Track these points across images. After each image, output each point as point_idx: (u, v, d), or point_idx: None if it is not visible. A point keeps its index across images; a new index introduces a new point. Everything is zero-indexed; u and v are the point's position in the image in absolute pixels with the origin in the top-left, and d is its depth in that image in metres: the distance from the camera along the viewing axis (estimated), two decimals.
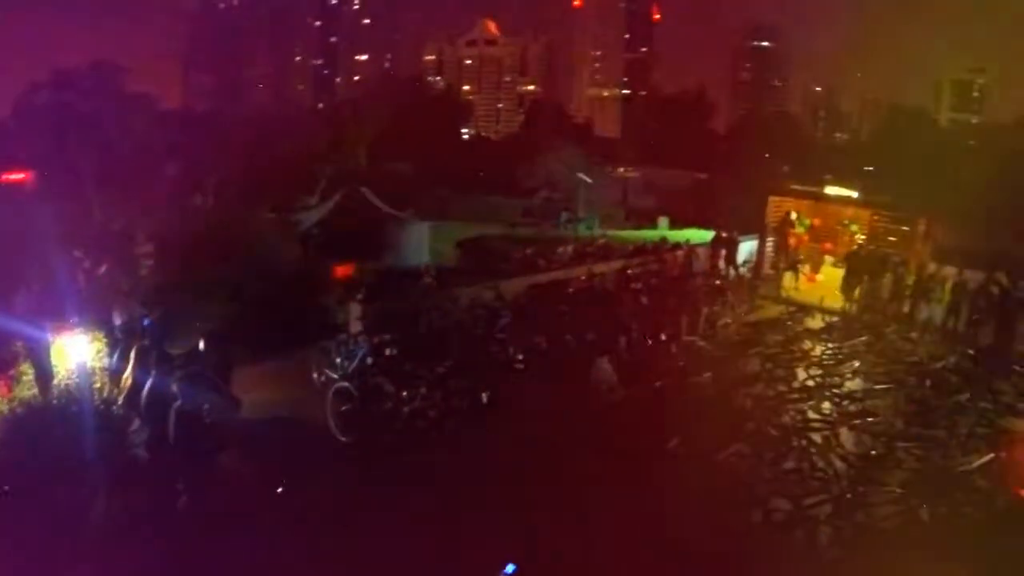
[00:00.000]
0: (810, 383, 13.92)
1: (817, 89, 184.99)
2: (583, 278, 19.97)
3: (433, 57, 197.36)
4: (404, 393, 11.99)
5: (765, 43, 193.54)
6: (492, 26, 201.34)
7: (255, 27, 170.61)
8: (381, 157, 57.59)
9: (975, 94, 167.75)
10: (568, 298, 18.14)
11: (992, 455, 11.47)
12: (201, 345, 9.85)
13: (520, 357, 14.33)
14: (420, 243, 31.30)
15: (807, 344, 16.36)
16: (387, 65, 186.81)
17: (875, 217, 22.07)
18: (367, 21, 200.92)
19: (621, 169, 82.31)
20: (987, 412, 13.92)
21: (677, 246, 23.69)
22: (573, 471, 10.24)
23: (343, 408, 11.86)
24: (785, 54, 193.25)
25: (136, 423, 10.01)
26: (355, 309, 15.20)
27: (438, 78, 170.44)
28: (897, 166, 62.27)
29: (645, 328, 15.57)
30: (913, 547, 9.06)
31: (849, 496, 9.93)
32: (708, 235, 25.05)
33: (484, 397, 12.46)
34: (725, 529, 9.16)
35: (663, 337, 15.32)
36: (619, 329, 15.48)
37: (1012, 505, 10.42)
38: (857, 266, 20.48)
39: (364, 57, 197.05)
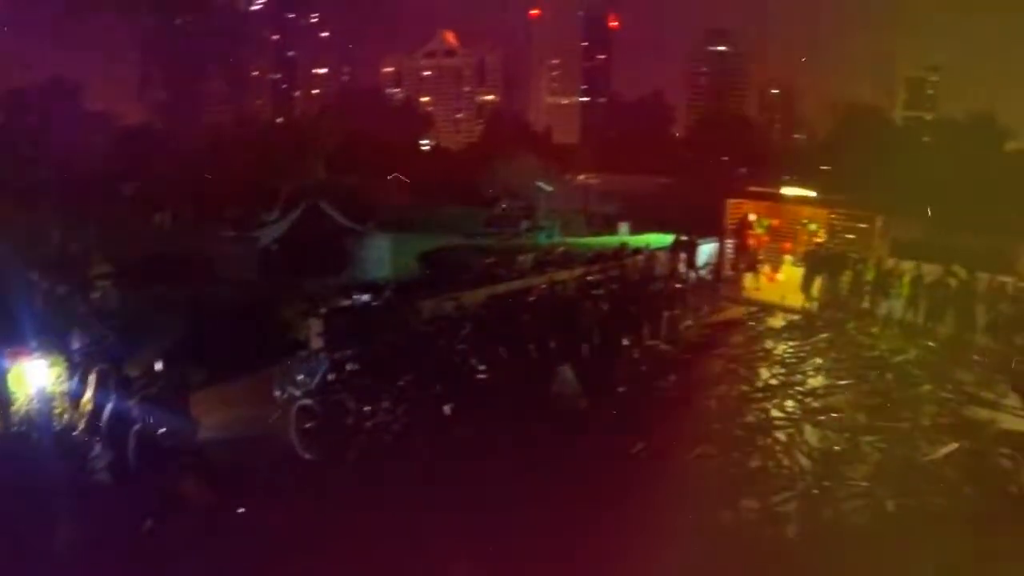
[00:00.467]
0: (773, 382, 14.07)
1: (774, 92, 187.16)
2: (544, 286, 19.91)
3: (392, 69, 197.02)
4: (366, 408, 11.89)
5: (722, 47, 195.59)
6: (451, 37, 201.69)
7: (212, 42, 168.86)
8: (341, 170, 57.55)
9: (929, 92, 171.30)
10: (529, 307, 18.06)
11: (956, 445, 11.68)
12: (159, 366, 9.67)
13: (482, 368, 14.24)
14: (382, 256, 31.06)
15: (769, 343, 16.55)
16: (346, 78, 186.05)
17: (833, 215, 22.33)
18: (326, 34, 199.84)
19: (581, 176, 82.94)
20: (949, 402, 14.16)
21: (637, 251, 23.76)
22: (537, 482, 10.15)
23: (306, 426, 11.71)
24: (742, 58, 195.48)
25: (97, 448, 9.81)
26: (316, 324, 15.04)
27: (397, 90, 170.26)
28: (854, 165, 63.45)
29: (607, 334, 15.55)
30: (881, 540, 9.15)
31: (815, 492, 10.00)
32: (668, 239, 25.12)
33: (447, 409, 12.37)
34: (695, 529, 9.16)
35: (625, 342, 15.31)
36: (581, 336, 15.43)
37: (979, 495, 10.60)
38: (816, 264, 20.72)
39: (323, 71, 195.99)
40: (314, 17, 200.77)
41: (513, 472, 10.24)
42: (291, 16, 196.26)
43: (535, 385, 13.17)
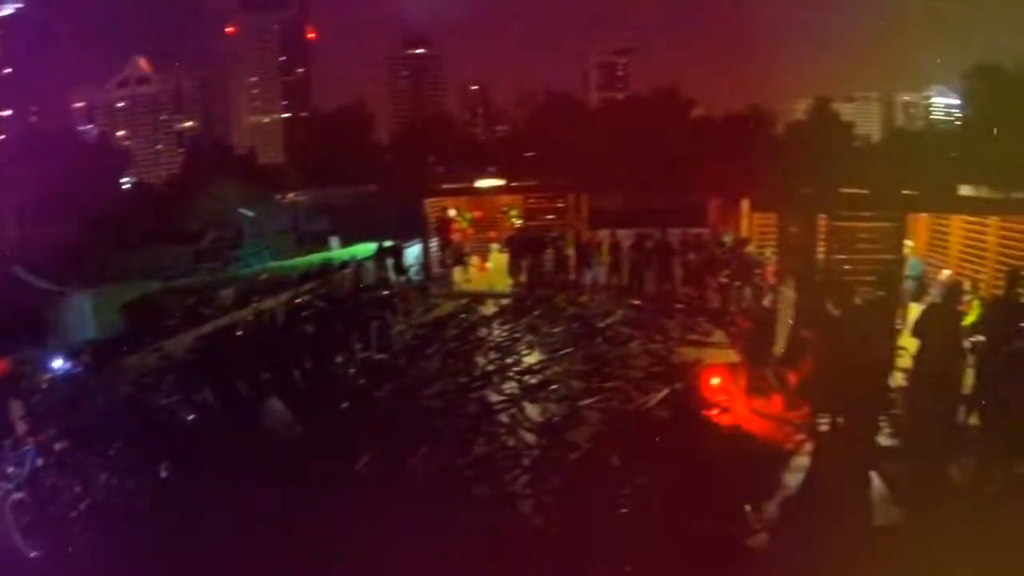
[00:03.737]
0: (490, 368, 14.58)
1: (474, 88, 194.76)
2: (251, 318, 19.40)
3: (84, 104, 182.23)
4: (81, 489, 10.97)
5: (420, 50, 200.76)
6: (143, 63, 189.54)
7: None
8: (37, 222, 53.52)
9: (620, 73, 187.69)
10: (237, 343, 17.51)
11: (668, 389, 12.78)
12: None
13: (192, 418, 13.62)
14: (83, 317, 29.44)
15: (483, 331, 17.15)
16: (33, 118, 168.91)
17: (530, 200, 23.55)
18: (8, 71, 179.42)
19: (291, 195, 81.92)
20: (659, 352, 15.48)
21: (344, 265, 23.78)
22: (259, 529, 9.84)
23: (25, 520, 10.60)
24: (440, 59, 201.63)
25: None
26: (16, 407, 13.63)
27: (91, 126, 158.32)
28: (552, 148, 67.74)
29: (318, 355, 15.41)
30: (611, 492, 9.70)
31: (542, 464, 10.50)
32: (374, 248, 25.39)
33: (163, 470, 11.69)
34: (430, 528, 9.27)
35: (339, 359, 15.24)
36: (292, 363, 15.17)
37: (695, 430, 11.69)
38: (518, 247, 21.88)
39: (7, 112, 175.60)
40: None
41: (234, 524, 9.87)
42: None
43: (246, 424, 12.78)
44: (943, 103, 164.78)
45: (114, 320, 28.90)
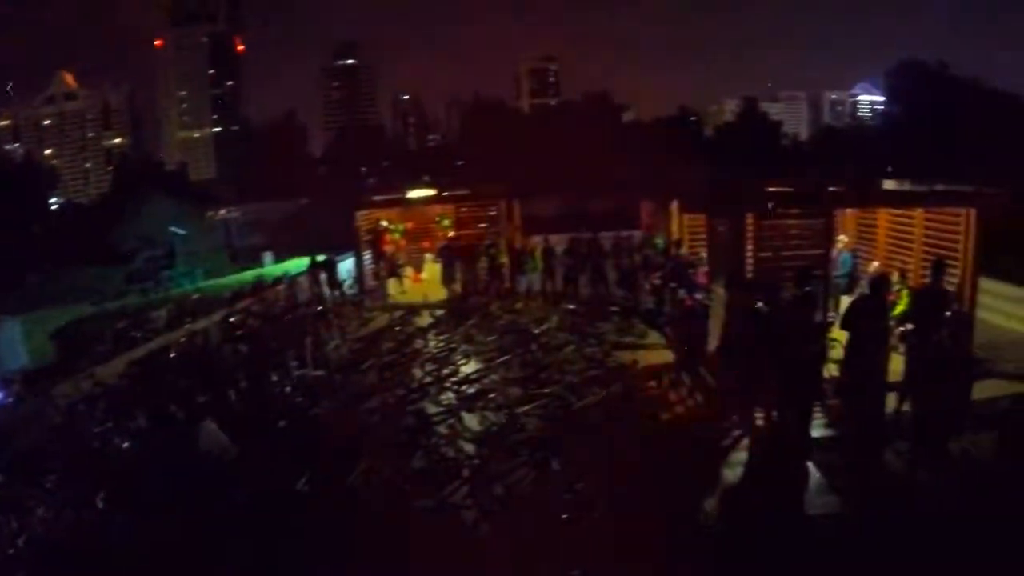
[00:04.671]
0: (427, 379, 14.56)
1: (405, 97, 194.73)
2: (183, 340, 19.08)
3: (8, 122, 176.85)
4: (14, 524, 10.60)
5: (350, 60, 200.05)
6: (69, 78, 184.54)
7: None
8: None
9: (551, 79, 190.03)
10: (170, 365, 17.20)
11: (604, 392, 12.88)
12: None
13: (125, 447, 13.30)
14: (13, 345, 28.36)
15: (419, 343, 17.12)
16: None
17: (462, 208, 23.47)
18: None
19: (223, 211, 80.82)
20: (595, 355, 15.60)
21: (278, 281, 23.48)
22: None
23: None
24: (371, 69, 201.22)
25: None
26: None
27: (16, 145, 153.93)
28: (485, 155, 67.88)
29: (253, 375, 15.17)
30: (552, 496, 9.76)
31: (483, 473, 10.48)
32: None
33: (99, 500, 11.38)
34: (374, 546, 9.19)
35: (275, 378, 15.02)
36: (227, 384, 14.92)
37: (629, 432, 11.79)
38: (450, 257, 21.84)
39: None
40: None
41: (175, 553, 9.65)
42: None
43: (180, 450, 12.51)
44: (868, 100, 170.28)
45: (45, 347, 28.29)
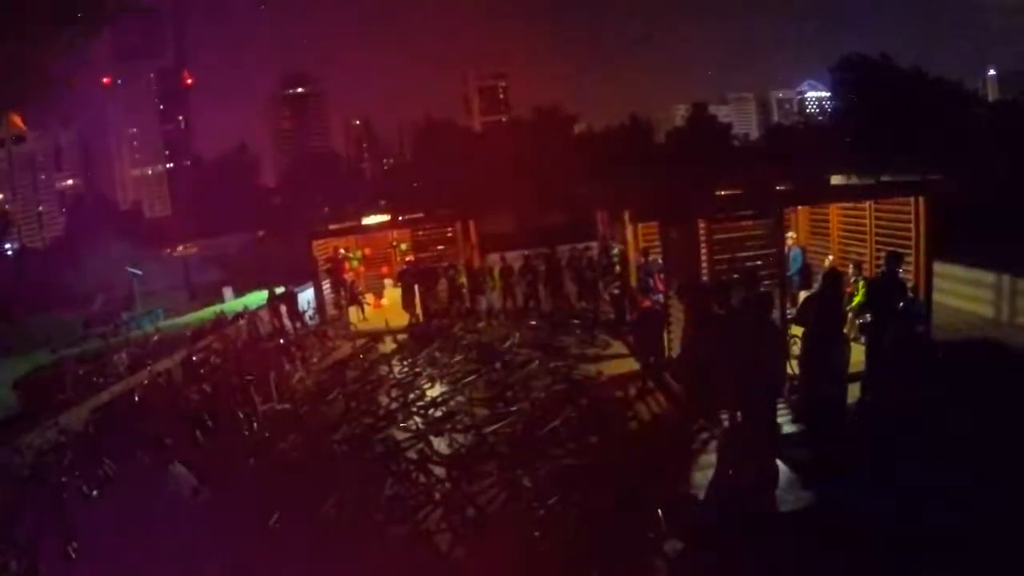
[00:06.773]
0: (393, 406, 14.54)
1: (357, 123, 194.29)
2: (147, 382, 18.86)
3: None
4: None
5: (300, 89, 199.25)
6: (18, 120, 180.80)
7: None
8: None
9: (500, 96, 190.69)
10: (136, 409, 17.00)
11: (568, 413, 12.89)
12: None
13: (94, 492, 13.12)
14: None
15: (384, 369, 17.10)
16: None
17: (419, 232, 23.42)
18: None
19: (180, 248, 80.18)
20: (560, 370, 15.66)
21: (239, 316, 23.30)
22: None
23: None
24: (320, 97, 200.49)
25: None
26: None
27: None
28: (439, 177, 67.88)
29: (219, 412, 15.05)
30: (524, 514, 9.81)
31: (453, 496, 10.49)
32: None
33: (71, 550, 11.21)
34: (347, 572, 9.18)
35: (241, 415, 14.91)
36: (194, 424, 14.78)
37: (602, 442, 11.86)
38: (409, 281, 21.81)
39: None
40: None
41: None
42: None
43: (150, 494, 12.37)
44: (815, 96, 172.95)
45: (6, 397, 27.85)
